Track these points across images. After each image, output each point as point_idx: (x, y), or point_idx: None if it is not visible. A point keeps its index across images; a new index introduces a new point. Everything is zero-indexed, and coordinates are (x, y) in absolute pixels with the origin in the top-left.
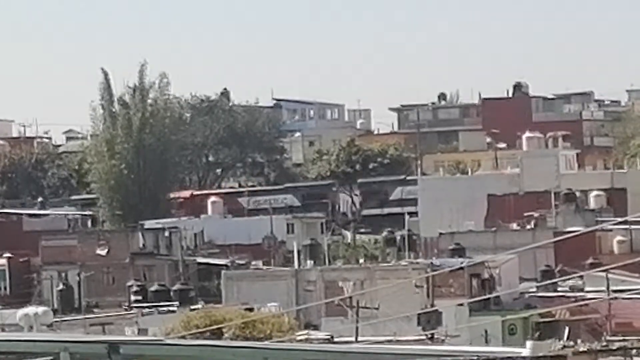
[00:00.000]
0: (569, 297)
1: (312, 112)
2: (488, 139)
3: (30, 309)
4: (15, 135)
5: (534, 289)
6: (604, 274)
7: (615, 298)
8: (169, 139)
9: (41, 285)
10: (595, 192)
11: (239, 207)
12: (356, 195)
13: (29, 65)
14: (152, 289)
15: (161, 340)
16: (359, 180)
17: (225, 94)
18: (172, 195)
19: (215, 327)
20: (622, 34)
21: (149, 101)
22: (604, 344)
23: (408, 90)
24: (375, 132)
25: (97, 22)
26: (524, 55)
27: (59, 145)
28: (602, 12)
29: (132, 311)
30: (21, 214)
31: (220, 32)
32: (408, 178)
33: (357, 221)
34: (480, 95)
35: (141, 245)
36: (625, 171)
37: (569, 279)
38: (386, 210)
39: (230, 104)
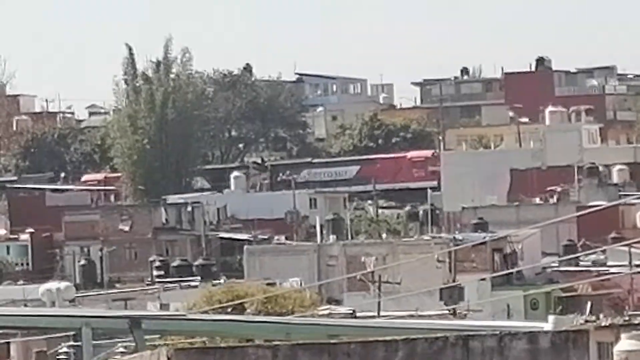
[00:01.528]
0: (591, 271)
1: (334, 87)
2: (511, 114)
3: (52, 284)
4: (38, 110)
5: (556, 264)
6: (626, 248)
7: (638, 272)
8: (192, 114)
9: (63, 260)
10: (618, 167)
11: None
12: None
13: (52, 40)
14: (175, 264)
15: (183, 315)
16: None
17: (247, 68)
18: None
19: (237, 302)
20: None
21: (172, 76)
22: (626, 318)
23: (431, 65)
24: (398, 107)
25: None
26: (547, 29)
27: (82, 120)
28: None
29: (154, 286)
30: (44, 189)
31: (243, 6)
32: (314, 161)
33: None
34: (502, 69)
35: (164, 221)
36: None
37: (591, 254)
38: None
39: (253, 78)
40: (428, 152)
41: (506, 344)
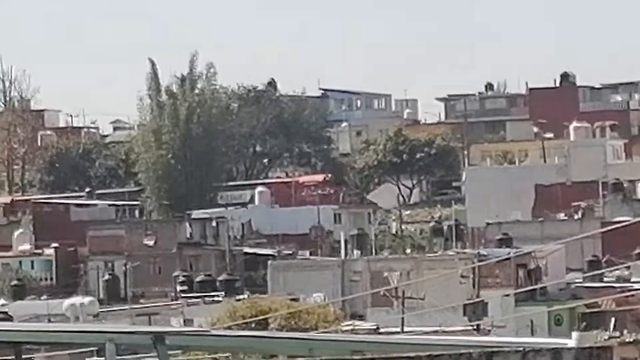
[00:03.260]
0: (615, 287)
1: (359, 102)
2: (535, 129)
3: (76, 299)
4: (62, 125)
5: (581, 280)
6: None
7: None
8: (216, 129)
9: (87, 275)
10: None
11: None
12: (403, 185)
13: (77, 55)
14: (198, 279)
15: (207, 330)
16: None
17: (272, 84)
18: None
19: (261, 317)
20: None
21: (196, 91)
22: None
23: (455, 80)
24: (422, 122)
25: (144, 11)
26: (572, 45)
27: (106, 135)
28: None
29: (178, 301)
30: (69, 204)
31: (267, 22)
32: (235, 184)
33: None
34: (527, 85)
35: (188, 235)
36: None
37: (615, 270)
38: None
39: (278, 94)
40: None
41: None
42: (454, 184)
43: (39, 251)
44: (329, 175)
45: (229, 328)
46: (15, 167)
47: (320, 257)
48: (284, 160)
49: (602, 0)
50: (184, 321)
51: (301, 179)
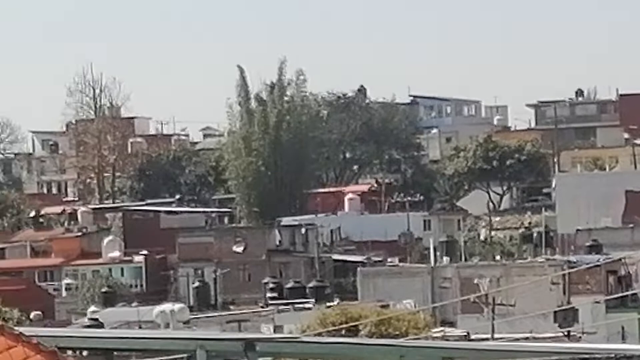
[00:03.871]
0: None
1: (449, 109)
2: (626, 135)
3: (166, 306)
4: (152, 132)
5: None
6: None
7: None
8: (306, 135)
9: (177, 282)
10: None
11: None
12: (493, 191)
13: (167, 63)
14: (288, 285)
15: (297, 337)
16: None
17: (362, 90)
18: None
19: (351, 324)
20: None
21: (286, 98)
22: None
23: (545, 87)
24: (513, 129)
25: (233, 20)
26: None
27: (196, 143)
28: None
29: (268, 308)
30: (159, 211)
31: (357, 28)
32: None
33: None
34: (617, 91)
35: (278, 242)
36: None
37: None
38: None
39: (367, 100)
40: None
41: None
42: (544, 190)
43: (129, 258)
44: (376, 185)
45: (319, 335)
46: (105, 174)
47: (410, 264)
48: (373, 166)
49: None
50: (274, 328)
51: (346, 189)
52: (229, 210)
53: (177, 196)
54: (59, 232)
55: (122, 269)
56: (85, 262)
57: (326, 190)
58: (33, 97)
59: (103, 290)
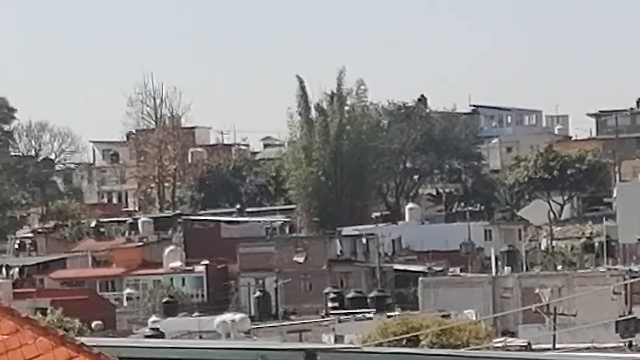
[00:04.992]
0: None
1: (509, 118)
2: None
3: (227, 316)
4: (213, 142)
5: None
6: None
7: None
8: (366, 145)
9: (238, 292)
10: None
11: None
12: (554, 201)
13: (227, 73)
14: (349, 295)
15: (358, 347)
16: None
17: (422, 100)
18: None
19: (412, 334)
20: None
21: (346, 108)
22: None
23: (606, 96)
24: (573, 138)
25: (293, 30)
26: None
27: (257, 152)
28: None
29: (329, 318)
30: (219, 221)
31: (417, 39)
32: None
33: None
34: None
35: (338, 252)
36: None
37: None
38: None
39: (428, 110)
40: None
41: None
42: (605, 200)
43: (190, 268)
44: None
45: (380, 345)
46: (166, 184)
47: (471, 274)
48: (434, 176)
49: None
50: (335, 338)
51: None
52: (289, 220)
53: (238, 206)
54: (120, 242)
55: (183, 279)
56: (146, 272)
57: None
58: (94, 107)
59: (164, 300)
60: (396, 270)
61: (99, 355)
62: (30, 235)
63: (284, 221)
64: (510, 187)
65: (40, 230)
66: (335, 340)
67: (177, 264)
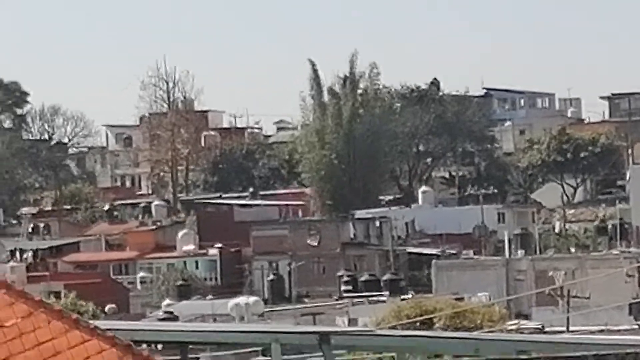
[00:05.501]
0: None
1: (522, 101)
2: None
3: (241, 299)
4: (226, 125)
5: None
6: None
7: None
8: (379, 128)
9: (252, 275)
10: None
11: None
12: (567, 184)
13: (240, 57)
14: (363, 278)
15: (372, 330)
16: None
17: (435, 83)
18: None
19: (425, 317)
20: None
21: (359, 91)
22: None
23: (619, 79)
24: (586, 121)
25: (306, 14)
26: None
27: (270, 136)
28: None
29: (342, 301)
30: (232, 204)
31: (430, 22)
32: None
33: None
34: None
35: (352, 235)
36: None
37: None
38: None
39: (441, 93)
40: None
41: None
42: (618, 182)
43: (203, 251)
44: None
45: (394, 328)
46: (179, 167)
47: (484, 257)
48: (447, 159)
49: None
50: (349, 321)
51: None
52: (302, 203)
53: (251, 189)
54: (134, 226)
55: (196, 262)
56: (160, 255)
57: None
58: (106, 91)
59: (178, 283)
60: (409, 253)
61: (113, 339)
62: (35, 212)
63: (296, 204)
64: (523, 170)
65: (47, 210)
66: (349, 323)
67: (191, 247)
